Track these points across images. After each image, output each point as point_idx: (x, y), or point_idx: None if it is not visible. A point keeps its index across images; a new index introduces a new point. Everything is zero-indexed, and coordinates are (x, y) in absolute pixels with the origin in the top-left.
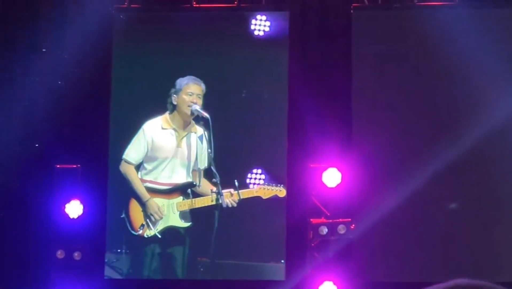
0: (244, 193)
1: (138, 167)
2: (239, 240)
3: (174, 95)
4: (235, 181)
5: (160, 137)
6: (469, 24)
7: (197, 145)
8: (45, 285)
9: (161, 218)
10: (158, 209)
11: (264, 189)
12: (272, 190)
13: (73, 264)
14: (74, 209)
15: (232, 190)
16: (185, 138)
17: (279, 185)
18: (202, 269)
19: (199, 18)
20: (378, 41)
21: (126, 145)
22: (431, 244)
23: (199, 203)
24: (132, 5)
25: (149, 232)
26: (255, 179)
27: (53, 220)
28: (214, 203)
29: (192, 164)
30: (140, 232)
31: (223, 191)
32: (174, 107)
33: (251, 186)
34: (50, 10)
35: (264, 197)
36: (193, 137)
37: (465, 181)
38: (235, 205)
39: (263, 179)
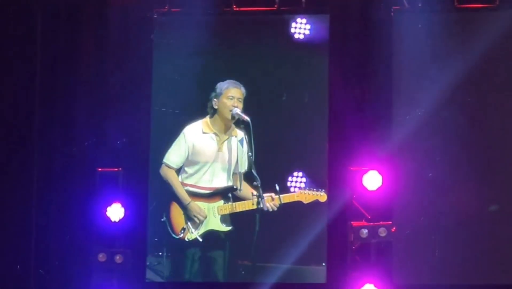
0: (285, 198)
1: (179, 171)
2: (280, 243)
3: (215, 99)
4: (276, 185)
5: (200, 142)
6: (510, 26)
7: (237, 149)
8: (87, 287)
9: (204, 218)
10: (200, 210)
11: (305, 193)
12: (313, 194)
13: (115, 267)
14: (115, 212)
15: (273, 194)
16: (226, 143)
17: (320, 190)
18: (243, 272)
19: (240, 22)
20: (419, 44)
21: (166, 148)
22: (473, 246)
23: (240, 207)
24: (172, 9)
25: (190, 236)
26: (296, 182)
27: (95, 223)
28: (255, 206)
29: (232, 167)
30: (181, 235)
31: (264, 194)
32: (214, 111)
33: (291, 189)
34: (91, 15)
35: (305, 202)
36: (234, 141)
37: (509, 183)
38: (275, 209)
39: (304, 182)
